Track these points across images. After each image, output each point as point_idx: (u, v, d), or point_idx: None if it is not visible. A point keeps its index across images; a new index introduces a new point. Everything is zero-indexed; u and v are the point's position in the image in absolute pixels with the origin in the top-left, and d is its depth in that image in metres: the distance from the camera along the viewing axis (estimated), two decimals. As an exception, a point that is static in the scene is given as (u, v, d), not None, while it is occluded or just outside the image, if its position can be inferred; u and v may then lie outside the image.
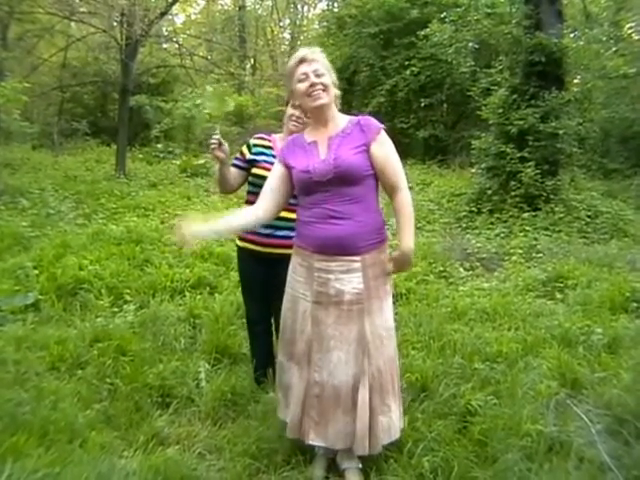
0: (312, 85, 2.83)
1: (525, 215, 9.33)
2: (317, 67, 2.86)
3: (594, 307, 5.35)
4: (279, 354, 3.14)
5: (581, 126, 10.29)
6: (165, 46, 18.18)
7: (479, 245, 7.98)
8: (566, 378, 3.97)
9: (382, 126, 2.90)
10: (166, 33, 15.14)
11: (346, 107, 14.49)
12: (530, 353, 4.38)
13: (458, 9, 12.70)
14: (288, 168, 2.95)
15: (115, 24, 13.16)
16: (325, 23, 21.48)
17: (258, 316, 3.86)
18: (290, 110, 3.55)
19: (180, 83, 20.54)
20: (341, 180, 2.78)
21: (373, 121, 2.90)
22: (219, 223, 2.97)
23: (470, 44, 12.06)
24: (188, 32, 21.50)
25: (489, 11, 12.69)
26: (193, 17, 28.24)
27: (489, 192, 10.19)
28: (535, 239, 8.32)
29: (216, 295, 5.39)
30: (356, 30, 18.04)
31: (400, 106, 17.21)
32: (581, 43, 10.72)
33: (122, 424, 3.42)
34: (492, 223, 9.42)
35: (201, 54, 16.92)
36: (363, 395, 2.84)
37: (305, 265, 2.94)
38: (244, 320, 4.84)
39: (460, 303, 5.47)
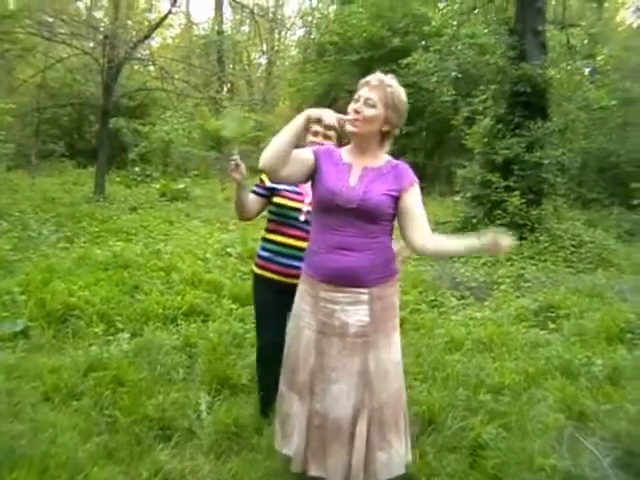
0: (355, 111, 2.76)
1: (511, 244, 9.36)
2: (373, 97, 2.76)
3: (590, 338, 5.35)
4: (280, 383, 3.05)
5: (564, 156, 10.41)
6: (144, 69, 18.09)
7: (467, 274, 7.97)
8: (572, 410, 3.94)
9: (416, 179, 2.85)
10: (142, 56, 14.98)
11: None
12: (533, 384, 4.35)
13: (442, 38, 12.82)
14: (316, 169, 2.86)
15: (96, 46, 13.03)
16: (307, 50, 21.59)
17: (271, 347, 3.69)
18: (310, 138, 3.46)
19: (158, 106, 20.46)
20: (363, 214, 2.72)
21: (410, 172, 2.85)
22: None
23: (453, 73, 12.14)
24: (166, 55, 21.41)
25: (471, 41, 12.86)
26: (169, 41, 28.27)
27: (474, 221, 10.26)
28: (522, 268, 8.37)
29: (209, 323, 5.27)
30: (337, 57, 18.20)
31: (380, 133, 17.27)
32: (558, 75, 10.84)
33: (124, 458, 3.28)
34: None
35: (179, 77, 16.75)
36: (361, 428, 2.77)
37: (312, 294, 2.86)
38: (241, 350, 4.78)
39: (456, 333, 5.42)
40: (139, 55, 13.97)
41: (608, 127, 15.01)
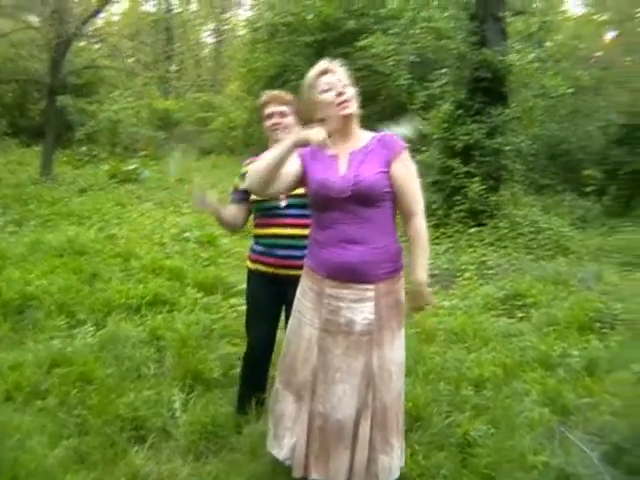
0: (340, 94, 2.65)
1: (471, 230, 9.37)
2: (342, 78, 2.71)
3: (562, 328, 5.31)
4: (276, 380, 2.91)
5: (523, 143, 10.44)
6: (92, 46, 17.47)
7: (430, 261, 7.88)
8: (555, 404, 3.89)
9: (405, 145, 2.73)
10: (91, 33, 14.40)
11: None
12: (513, 377, 4.27)
13: (400, 21, 12.69)
14: (304, 172, 2.73)
15: (44, 20, 12.44)
16: (258, 30, 21.16)
17: (264, 340, 3.54)
18: (267, 122, 3.39)
19: (106, 85, 19.83)
20: (359, 199, 2.60)
21: (396, 139, 2.74)
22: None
23: (411, 57, 12.04)
24: (112, 32, 20.78)
25: (428, 25, 12.73)
26: (116, 18, 27.50)
27: (433, 206, 10.19)
28: (484, 255, 8.36)
29: (175, 314, 5.06)
30: (290, 38, 17.87)
31: (334, 116, 16.98)
32: (518, 62, 10.84)
33: (97, 462, 3.08)
34: (437, 238, 9.39)
35: (128, 56, 16.20)
36: (364, 430, 2.66)
37: (315, 290, 2.72)
38: (210, 342, 4.59)
39: (427, 323, 5.33)
40: (88, 31, 13.40)
41: (560, 114, 15.13)
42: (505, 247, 8.87)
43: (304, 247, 3.20)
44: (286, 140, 2.62)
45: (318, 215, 2.72)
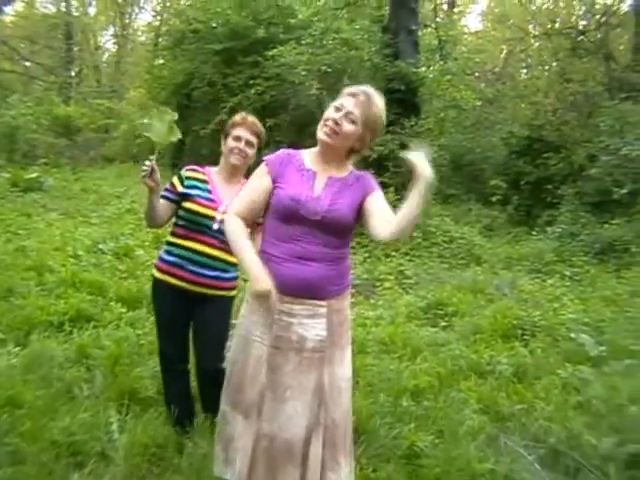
0: (333, 121, 2.56)
1: (386, 240, 9.46)
2: (355, 111, 2.57)
3: (487, 336, 5.45)
4: (222, 402, 2.80)
5: (435, 154, 10.68)
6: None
7: (350, 271, 7.95)
8: (492, 411, 3.99)
9: (378, 187, 2.72)
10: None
11: (185, 124, 13.99)
12: (448, 386, 4.35)
13: (308, 31, 12.75)
14: (274, 185, 2.65)
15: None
16: (163, 36, 20.81)
17: (176, 356, 3.46)
18: (232, 143, 3.31)
19: (2, 89, 18.99)
20: (327, 226, 2.56)
21: (373, 180, 2.73)
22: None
23: (323, 67, 12.11)
24: (11, 35, 19.93)
25: (336, 36, 12.86)
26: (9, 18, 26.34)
27: (348, 216, 10.27)
28: (401, 264, 8.47)
29: (100, 330, 4.85)
30: (198, 46, 17.60)
31: (243, 125, 16.82)
32: (431, 75, 11.11)
33: (35, 494, 2.91)
34: (353, 248, 9.43)
35: (30, 59, 15.57)
36: (316, 449, 2.60)
37: (265, 306, 2.65)
38: (140, 358, 4.43)
39: (356, 334, 5.33)
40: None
41: (464, 126, 15.58)
42: (420, 256, 9.03)
43: (217, 269, 3.25)
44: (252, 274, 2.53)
45: (277, 228, 2.63)
